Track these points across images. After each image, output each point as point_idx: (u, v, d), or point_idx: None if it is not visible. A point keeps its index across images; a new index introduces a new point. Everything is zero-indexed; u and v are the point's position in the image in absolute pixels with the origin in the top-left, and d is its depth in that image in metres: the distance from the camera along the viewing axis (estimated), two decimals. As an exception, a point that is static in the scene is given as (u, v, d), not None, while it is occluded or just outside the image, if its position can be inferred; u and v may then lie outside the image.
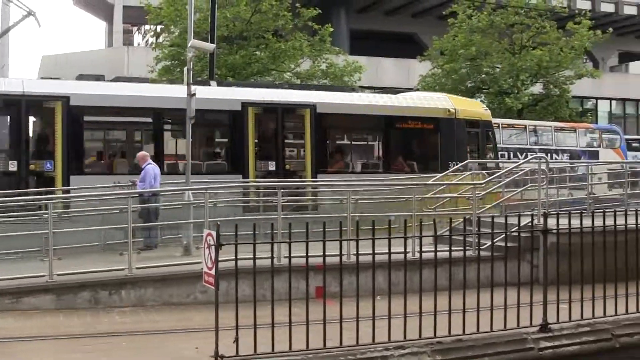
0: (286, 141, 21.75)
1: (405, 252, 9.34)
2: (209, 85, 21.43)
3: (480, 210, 14.41)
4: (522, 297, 9.63)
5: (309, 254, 8.69)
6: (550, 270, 10.37)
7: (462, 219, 12.03)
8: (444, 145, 22.59)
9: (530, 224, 11.12)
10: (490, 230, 10.77)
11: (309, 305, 8.57)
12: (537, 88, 37.97)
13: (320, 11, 32.25)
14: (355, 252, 9.46)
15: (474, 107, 25.06)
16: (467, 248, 10.14)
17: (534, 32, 36.33)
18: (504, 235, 10.66)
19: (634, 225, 10.71)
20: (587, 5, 50.71)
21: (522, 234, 11.18)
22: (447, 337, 9.14)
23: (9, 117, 18.30)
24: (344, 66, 33.21)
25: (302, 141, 21.37)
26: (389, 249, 9.08)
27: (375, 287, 9.00)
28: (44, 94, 18.90)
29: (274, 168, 20.53)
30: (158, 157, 18.90)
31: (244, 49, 30.38)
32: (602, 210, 11.05)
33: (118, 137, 22.04)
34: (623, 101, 59.65)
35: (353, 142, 23.70)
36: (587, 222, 10.53)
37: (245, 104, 20.35)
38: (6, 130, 18.58)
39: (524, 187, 16.13)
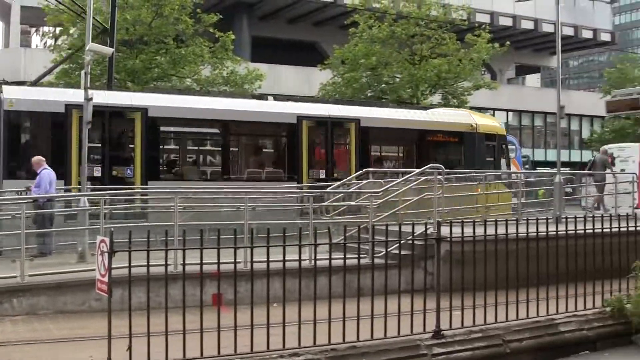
0: (335, 151, 23.53)
1: (300, 260, 9.36)
2: (267, 99, 24.08)
3: (376, 219, 14.52)
4: (416, 304, 9.76)
5: (203, 262, 8.62)
6: (445, 278, 10.53)
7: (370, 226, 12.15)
8: (467, 155, 24.93)
9: (424, 232, 11.30)
10: (385, 239, 10.86)
11: (206, 313, 8.50)
12: (436, 98, 38.57)
13: (221, 17, 32.12)
14: (261, 260, 9.42)
15: (491, 123, 27.85)
16: (363, 256, 10.22)
17: (434, 43, 36.80)
18: (399, 243, 10.80)
19: (525, 234, 10.98)
20: (486, 19, 51.94)
21: (418, 242, 11.36)
22: (341, 344, 9.18)
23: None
24: (245, 74, 33.18)
25: (348, 151, 23.39)
26: (284, 257, 9.08)
27: (273, 295, 9.00)
28: (125, 105, 20.49)
29: (324, 176, 22.35)
30: (224, 163, 21.68)
31: (144, 54, 30.01)
32: (494, 220, 11.28)
33: (189, 146, 23.52)
34: (519, 112, 61.25)
35: (391, 152, 26.05)
36: (481, 230, 10.78)
37: (299, 117, 22.22)
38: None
39: (420, 196, 16.34)
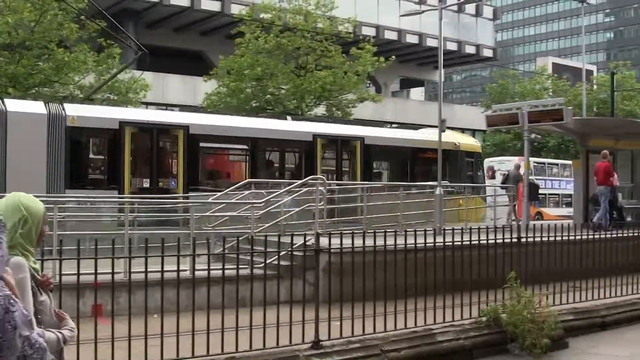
0: (343, 168, 26.96)
1: (179, 271, 9.27)
2: (286, 119, 27.74)
3: (258, 229, 14.52)
4: (297, 315, 9.80)
5: (81, 272, 8.48)
6: (325, 289, 10.58)
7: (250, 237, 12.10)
8: (451, 170, 28.23)
9: (305, 243, 11.33)
10: (267, 249, 10.84)
11: (85, 324, 8.28)
12: (320, 110, 38.81)
13: (106, 24, 31.53)
14: (139, 270, 9.27)
15: (470, 142, 32.08)
16: (245, 267, 10.18)
17: (320, 55, 37.03)
18: (280, 254, 10.81)
19: (403, 245, 11.13)
20: (372, 32, 52.51)
21: (300, 253, 11.39)
22: (220, 355, 9.10)
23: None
24: (130, 82, 32.69)
25: (354, 166, 26.82)
26: (162, 267, 8.97)
27: (155, 305, 8.88)
28: (170, 123, 23.40)
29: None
30: (254, 175, 23.24)
31: (25, 59, 29.18)
32: (372, 231, 11.40)
33: (222, 159, 26.53)
34: (403, 125, 62.24)
35: (390, 168, 29.83)
36: (363, 242, 10.89)
37: (315, 136, 25.63)
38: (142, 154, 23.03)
39: (301, 207, 16.43)
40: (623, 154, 25.98)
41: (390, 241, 11.20)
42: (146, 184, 22.24)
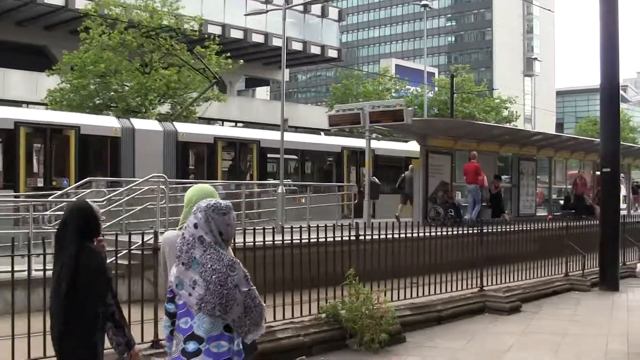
0: (362, 173, 29.72)
1: (13, 271, 8.98)
2: (320, 134, 34.19)
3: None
4: (137, 314, 9.72)
5: None
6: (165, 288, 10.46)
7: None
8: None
9: (143, 242, 11.15)
10: (111, 249, 10.61)
11: None
12: (165, 108, 38.38)
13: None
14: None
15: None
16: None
17: (165, 53, 36.66)
18: (119, 253, 10.60)
19: (243, 244, 11.16)
20: (218, 30, 52.27)
21: (139, 252, 11.21)
22: (53, 358, 8.86)
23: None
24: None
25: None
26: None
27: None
28: (246, 138, 29.97)
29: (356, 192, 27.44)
30: (302, 179, 30.23)
31: None
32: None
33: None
34: (249, 124, 62.32)
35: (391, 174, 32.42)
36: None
37: (343, 148, 32.31)
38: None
39: (143, 205, 16.22)
40: (462, 154, 26.91)
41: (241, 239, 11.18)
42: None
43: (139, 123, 26.38)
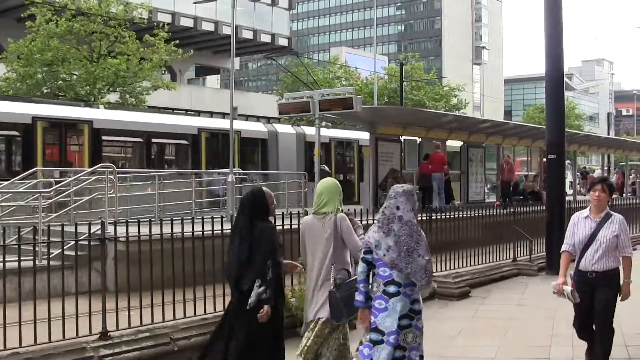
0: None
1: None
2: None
3: (47, 219, 14.09)
4: (85, 306, 9.68)
5: None
6: (114, 279, 10.44)
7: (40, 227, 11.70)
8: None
9: (90, 232, 11.08)
10: (51, 240, 10.59)
11: None
12: (114, 97, 38.04)
13: None
14: None
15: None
16: (27, 259, 9.89)
17: (113, 41, 36.31)
18: (65, 244, 10.54)
19: (191, 233, 11.15)
20: (168, 19, 51.79)
21: (86, 243, 11.15)
22: (3, 351, 8.81)
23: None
24: None
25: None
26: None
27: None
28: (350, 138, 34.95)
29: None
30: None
31: None
32: (166, 219, 11.34)
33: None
34: (199, 113, 61.97)
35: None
36: (155, 230, 10.84)
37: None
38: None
39: (91, 196, 16.09)
40: (411, 141, 27.10)
41: (179, 229, 11.15)
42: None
43: (280, 128, 31.94)
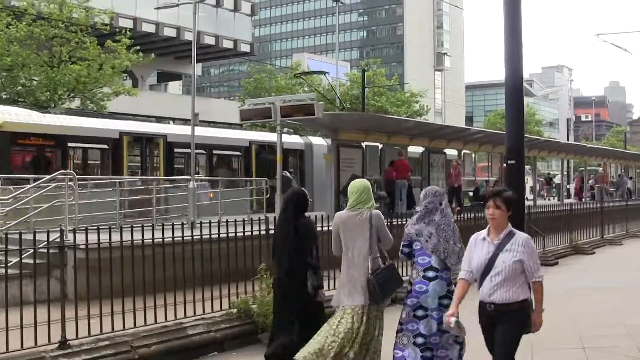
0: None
1: None
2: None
3: (4, 227, 13.95)
4: (44, 315, 9.61)
5: None
6: (74, 287, 10.36)
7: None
8: None
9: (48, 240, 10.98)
10: (8, 248, 10.49)
11: None
12: (75, 103, 37.74)
13: None
14: None
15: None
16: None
17: (74, 46, 36.02)
18: (23, 252, 10.44)
19: (152, 240, 11.11)
20: (130, 24, 51.45)
21: (51, 251, 11.04)
22: (-42, 363, 8.74)
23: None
24: None
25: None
26: None
27: None
28: None
29: None
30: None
31: None
32: (127, 226, 11.29)
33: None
34: (160, 119, 61.63)
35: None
36: (115, 237, 10.78)
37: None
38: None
39: (51, 203, 15.93)
40: (372, 147, 27.18)
41: (140, 236, 11.09)
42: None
43: (314, 140, 34.61)
